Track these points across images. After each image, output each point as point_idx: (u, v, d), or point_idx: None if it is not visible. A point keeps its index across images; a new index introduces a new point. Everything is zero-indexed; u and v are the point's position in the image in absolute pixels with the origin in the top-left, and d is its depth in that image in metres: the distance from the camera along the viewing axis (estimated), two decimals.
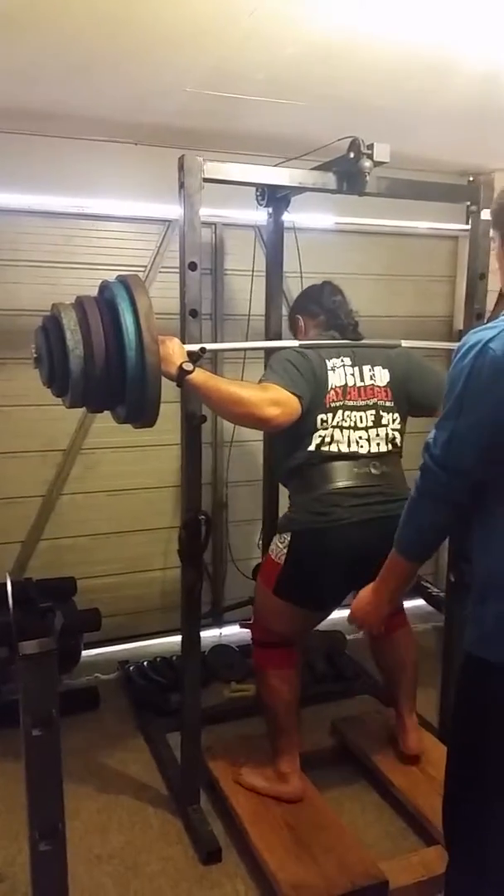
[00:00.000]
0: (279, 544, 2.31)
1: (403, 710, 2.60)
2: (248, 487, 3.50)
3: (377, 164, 2.19)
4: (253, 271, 2.96)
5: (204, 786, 2.53)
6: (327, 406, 2.26)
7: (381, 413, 2.35)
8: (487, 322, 1.83)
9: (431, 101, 2.49)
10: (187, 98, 2.47)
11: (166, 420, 2.11)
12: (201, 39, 2.03)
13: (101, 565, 3.42)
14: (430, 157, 3.19)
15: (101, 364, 1.94)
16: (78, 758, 2.74)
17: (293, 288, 2.98)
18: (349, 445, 2.29)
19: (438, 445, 1.51)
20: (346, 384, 2.30)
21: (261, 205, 2.71)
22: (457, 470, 1.50)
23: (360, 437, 2.31)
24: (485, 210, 2.42)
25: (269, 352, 2.59)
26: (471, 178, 2.53)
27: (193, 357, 2.10)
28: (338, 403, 2.28)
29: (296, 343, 2.38)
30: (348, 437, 2.29)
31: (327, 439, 2.27)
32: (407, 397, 2.40)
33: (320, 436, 2.26)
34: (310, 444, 2.26)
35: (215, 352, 3.29)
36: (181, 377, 2.04)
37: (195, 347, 2.13)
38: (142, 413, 2.03)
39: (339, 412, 2.28)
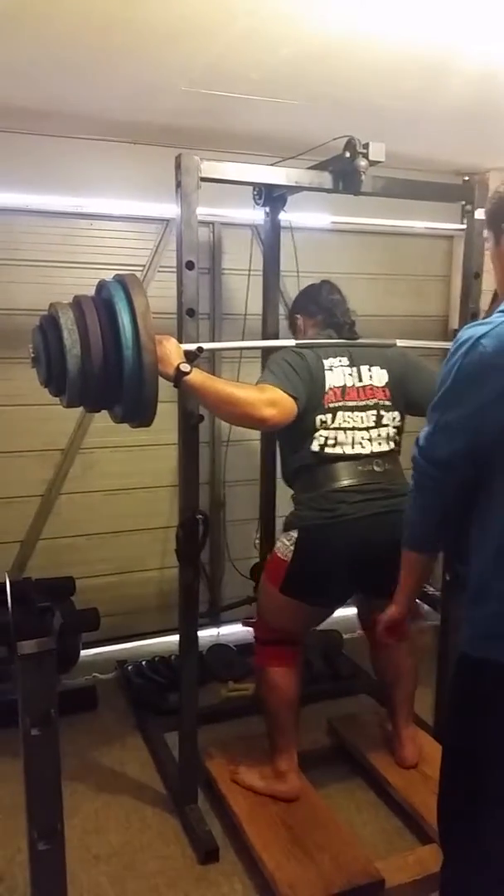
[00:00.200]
0: (286, 542, 2.32)
1: (399, 720, 2.61)
2: (246, 487, 3.50)
3: (373, 163, 2.19)
4: (250, 270, 2.96)
5: (202, 785, 2.53)
6: (326, 407, 2.26)
7: (382, 413, 2.36)
8: None
9: (427, 100, 2.49)
10: (184, 97, 2.47)
11: (164, 419, 2.11)
12: (198, 38, 2.03)
13: (100, 565, 3.42)
14: (425, 156, 3.19)
15: (98, 363, 1.94)
16: (76, 757, 2.75)
17: (290, 287, 2.99)
18: (353, 446, 2.30)
19: (425, 438, 1.56)
20: (344, 385, 2.30)
21: (258, 204, 2.71)
22: (439, 462, 1.53)
23: (363, 438, 2.32)
24: (479, 209, 2.42)
25: (266, 351, 2.60)
26: (466, 178, 2.54)
27: (190, 357, 2.10)
28: (337, 404, 2.28)
29: (293, 343, 2.39)
30: (352, 438, 2.30)
31: (331, 441, 2.28)
32: (404, 397, 2.40)
33: (323, 436, 2.27)
34: (312, 444, 2.27)
35: (213, 351, 3.30)
36: (178, 378, 2.04)
37: (192, 347, 2.13)
38: (139, 412, 2.03)
39: (340, 413, 2.29)
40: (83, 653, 3.12)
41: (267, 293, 2.87)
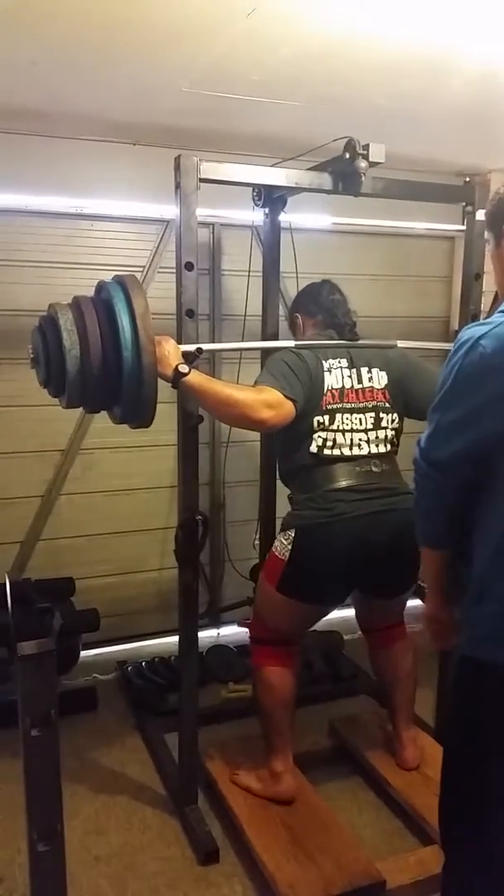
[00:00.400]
0: (283, 541, 2.32)
1: (400, 723, 2.61)
2: (246, 488, 3.50)
3: (373, 164, 2.19)
4: (249, 272, 2.96)
5: (202, 786, 2.53)
6: (324, 408, 2.26)
7: (381, 415, 2.35)
8: None
9: (428, 101, 2.49)
10: (184, 98, 2.47)
11: (163, 420, 2.11)
12: (199, 39, 2.03)
13: (100, 566, 3.42)
14: (426, 157, 3.20)
15: (97, 364, 1.94)
16: (76, 758, 2.74)
17: (290, 288, 2.98)
18: (351, 448, 2.30)
19: (426, 439, 1.55)
20: (343, 387, 2.30)
21: (257, 205, 2.71)
22: (440, 463, 1.52)
23: (361, 440, 2.32)
24: (480, 211, 2.42)
25: (265, 352, 2.60)
26: (467, 179, 2.54)
27: (189, 358, 2.10)
28: (335, 406, 2.28)
29: (292, 343, 2.39)
30: (350, 439, 2.30)
31: (329, 443, 2.28)
32: (404, 399, 2.40)
33: (321, 437, 2.27)
34: (310, 445, 2.27)
35: (212, 352, 3.30)
36: (176, 379, 2.04)
37: (191, 348, 2.13)
38: (138, 413, 2.03)
39: (338, 415, 2.28)
40: (83, 653, 3.12)
41: (266, 294, 2.87)
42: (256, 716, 2.51)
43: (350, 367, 2.34)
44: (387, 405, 2.37)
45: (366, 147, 2.17)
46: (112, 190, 3.11)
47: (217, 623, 3.63)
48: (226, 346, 3.41)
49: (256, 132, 2.89)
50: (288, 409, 2.17)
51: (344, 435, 2.29)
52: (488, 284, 2.59)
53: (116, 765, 2.78)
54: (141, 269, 3.26)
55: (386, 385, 2.38)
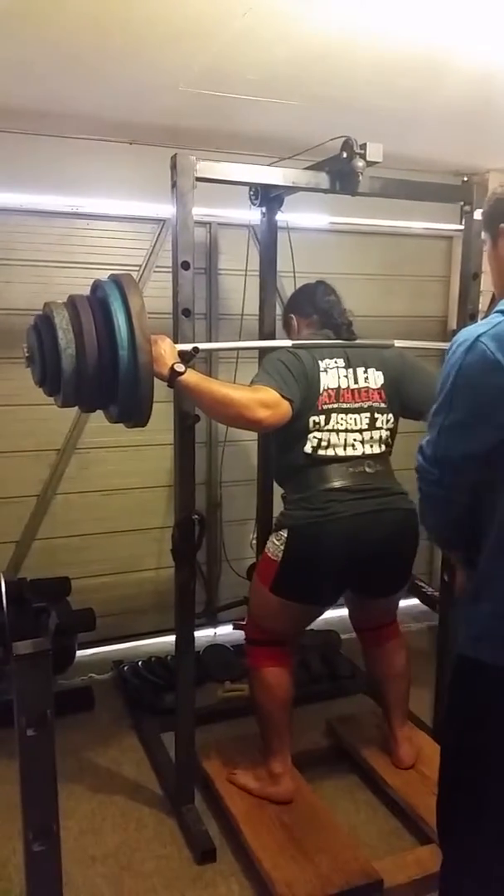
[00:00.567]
0: (276, 542, 2.31)
1: (394, 722, 2.61)
2: (243, 487, 3.49)
3: (370, 163, 2.19)
4: (246, 271, 2.96)
5: (198, 785, 2.53)
6: (320, 408, 2.26)
7: (376, 415, 2.35)
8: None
9: (426, 100, 2.49)
10: (181, 97, 2.46)
11: (160, 420, 2.11)
12: (195, 38, 2.03)
13: (96, 565, 3.42)
14: (424, 156, 3.19)
15: (92, 363, 1.94)
16: (72, 758, 2.74)
17: (287, 288, 2.98)
18: (345, 449, 2.30)
19: (429, 443, 1.51)
20: (339, 387, 2.30)
21: (254, 204, 2.71)
22: (447, 466, 1.48)
23: (356, 440, 2.32)
24: (478, 210, 2.41)
25: (262, 351, 2.59)
26: (465, 179, 2.53)
27: (185, 357, 2.10)
28: (331, 406, 2.28)
29: (289, 343, 2.38)
30: (344, 440, 2.30)
31: (323, 443, 2.28)
32: (400, 399, 2.40)
33: (316, 438, 2.27)
34: (305, 445, 2.27)
35: (209, 351, 3.29)
36: (172, 378, 2.04)
37: (188, 347, 2.13)
38: (134, 412, 2.03)
39: (334, 415, 2.28)
40: (79, 653, 3.12)
41: (263, 294, 2.86)
42: (253, 716, 2.51)
43: (347, 366, 2.33)
44: (382, 405, 2.36)
45: (363, 146, 2.17)
46: (108, 189, 3.10)
47: (214, 622, 3.62)
48: (222, 346, 3.41)
49: (253, 131, 2.89)
50: (284, 408, 2.17)
51: (338, 435, 2.29)
52: (486, 284, 2.58)
53: (113, 764, 2.78)
54: (137, 268, 3.26)
55: (382, 385, 2.37)
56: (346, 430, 2.30)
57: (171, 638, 2.46)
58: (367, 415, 2.34)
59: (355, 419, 2.32)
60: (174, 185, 2.09)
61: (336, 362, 2.32)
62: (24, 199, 3.03)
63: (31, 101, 2.59)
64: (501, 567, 1.49)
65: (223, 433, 3.41)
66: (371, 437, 2.34)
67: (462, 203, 2.51)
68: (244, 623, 2.56)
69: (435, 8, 1.84)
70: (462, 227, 2.55)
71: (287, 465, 2.35)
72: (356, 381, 2.34)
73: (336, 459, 2.29)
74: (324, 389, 2.27)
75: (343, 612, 2.73)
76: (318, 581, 2.28)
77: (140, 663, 3.30)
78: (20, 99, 2.56)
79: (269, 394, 2.15)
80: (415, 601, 3.61)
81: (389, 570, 2.38)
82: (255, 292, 2.89)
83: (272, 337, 2.81)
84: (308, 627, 2.58)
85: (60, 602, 2.98)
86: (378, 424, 2.35)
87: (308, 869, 2.11)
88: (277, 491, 2.65)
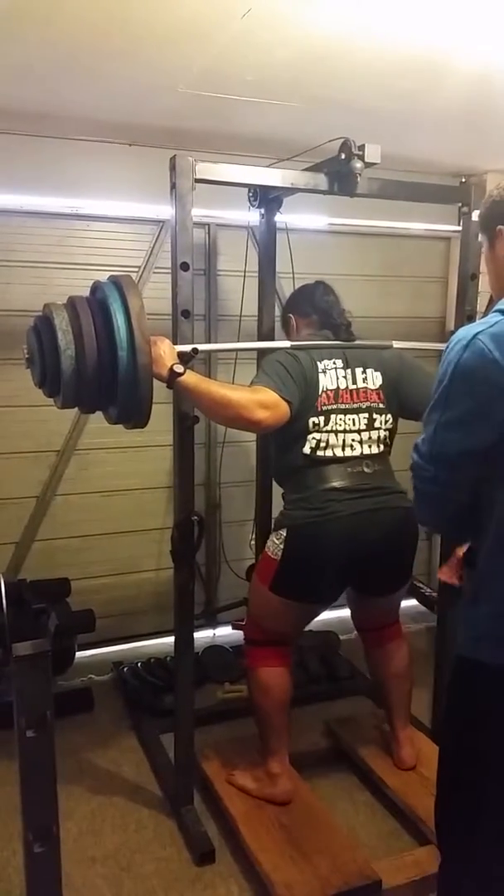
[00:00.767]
0: (275, 541, 2.32)
1: (397, 723, 2.61)
2: (242, 488, 3.50)
3: (368, 165, 2.19)
4: (245, 272, 2.96)
5: (198, 787, 2.53)
6: (318, 409, 2.26)
7: (375, 416, 2.35)
8: None
9: (424, 102, 2.49)
10: (180, 98, 2.47)
11: (159, 421, 2.11)
12: (195, 40, 2.03)
13: (95, 566, 3.42)
14: (422, 158, 3.20)
15: (92, 364, 1.94)
16: (72, 759, 2.74)
17: (286, 289, 2.98)
18: (343, 449, 2.31)
19: (425, 440, 1.49)
20: (337, 388, 2.30)
21: (253, 205, 2.71)
22: (442, 463, 1.47)
23: (354, 440, 2.32)
24: (476, 211, 2.42)
25: (261, 353, 2.60)
26: (463, 180, 2.54)
27: (185, 358, 2.10)
28: (330, 407, 2.28)
29: (287, 344, 2.39)
30: (343, 440, 2.30)
31: (322, 444, 2.28)
32: (398, 399, 2.40)
33: (315, 439, 2.27)
34: (304, 446, 2.27)
35: (208, 352, 3.29)
36: (171, 379, 2.04)
37: (187, 348, 2.13)
38: (133, 413, 2.03)
39: (333, 416, 2.28)
40: (79, 654, 3.12)
41: (262, 295, 2.87)
42: (252, 717, 2.51)
43: (345, 367, 2.34)
44: (380, 406, 2.37)
45: (361, 147, 2.17)
46: (108, 190, 3.11)
47: (213, 624, 3.63)
48: (221, 347, 3.41)
49: (252, 133, 2.89)
50: (283, 409, 2.17)
51: (337, 436, 2.29)
52: (484, 285, 2.58)
53: (112, 765, 2.78)
54: (136, 269, 3.26)
55: (380, 385, 2.38)
56: (345, 431, 2.31)
57: (171, 639, 2.46)
58: (366, 415, 2.34)
59: (354, 420, 2.32)
60: (173, 186, 2.09)
61: (335, 363, 2.33)
62: (23, 200, 3.03)
63: (30, 102, 2.59)
64: (500, 566, 1.49)
65: (222, 434, 3.41)
66: (370, 438, 2.34)
67: (460, 204, 2.52)
68: (243, 623, 2.56)
69: (434, 9, 1.84)
70: (460, 228, 2.55)
71: (286, 466, 2.36)
72: (355, 382, 2.34)
73: (335, 460, 2.30)
74: (323, 391, 2.27)
75: (342, 612, 2.73)
76: (317, 579, 2.29)
77: (139, 664, 3.30)
78: (20, 100, 2.56)
79: (268, 395, 2.15)
80: (413, 602, 3.61)
81: (389, 569, 2.39)
82: (254, 293, 2.89)
83: (271, 338, 2.81)
84: (307, 628, 2.58)
85: (60, 603, 2.98)
86: (377, 425, 2.36)
87: (307, 870, 2.11)
88: (276, 492, 2.66)
